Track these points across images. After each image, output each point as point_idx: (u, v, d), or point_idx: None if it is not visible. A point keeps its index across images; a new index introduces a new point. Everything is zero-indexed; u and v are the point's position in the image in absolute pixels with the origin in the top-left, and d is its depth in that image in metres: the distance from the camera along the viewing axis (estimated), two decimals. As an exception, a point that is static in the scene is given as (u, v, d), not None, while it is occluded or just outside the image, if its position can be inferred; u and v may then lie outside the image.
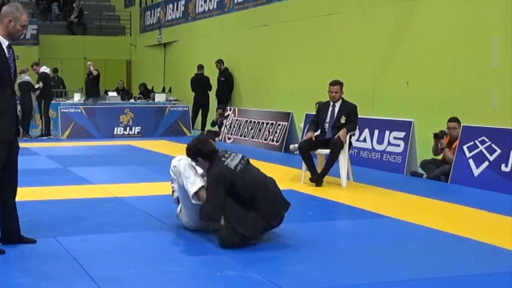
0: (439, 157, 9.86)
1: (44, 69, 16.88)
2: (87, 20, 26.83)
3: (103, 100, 19.02)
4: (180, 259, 5.42)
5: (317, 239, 6.07)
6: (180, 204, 6.25)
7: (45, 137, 16.40)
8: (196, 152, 5.89)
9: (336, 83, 9.29)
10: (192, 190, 5.89)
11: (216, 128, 16.86)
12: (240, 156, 5.92)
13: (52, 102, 17.20)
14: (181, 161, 6.11)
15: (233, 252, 5.48)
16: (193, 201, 5.91)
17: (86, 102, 18.37)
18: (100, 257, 5.36)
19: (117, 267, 5.08)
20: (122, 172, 10.41)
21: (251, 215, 5.70)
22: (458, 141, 9.43)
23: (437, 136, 9.66)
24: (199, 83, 18.59)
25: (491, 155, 8.95)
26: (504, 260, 5.32)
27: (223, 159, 5.82)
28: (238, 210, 5.70)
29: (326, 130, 9.21)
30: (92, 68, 18.38)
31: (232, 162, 5.80)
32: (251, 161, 6.08)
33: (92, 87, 18.49)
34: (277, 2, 16.20)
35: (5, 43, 5.31)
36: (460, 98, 10.58)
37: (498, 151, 8.86)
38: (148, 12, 25.52)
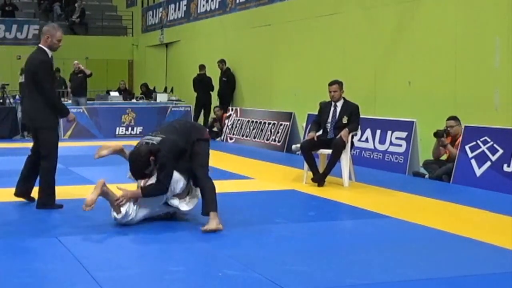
0: (442, 158, 9.83)
1: (48, 69, 16.79)
2: (89, 20, 26.84)
3: (104, 100, 18.90)
4: (182, 259, 5.41)
5: (319, 239, 6.08)
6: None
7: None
8: (146, 152, 6.21)
9: (334, 82, 9.30)
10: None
11: (216, 129, 16.84)
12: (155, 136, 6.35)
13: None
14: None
15: (234, 252, 5.48)
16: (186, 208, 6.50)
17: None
18: (101, 257, 5.37)
19: (119, 267, 5.08)
20: (124, 172, 10.38)
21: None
22: (460, 139, 9.41)
23: (438, 135, 9.63)
24: (201, 83, 18.56)
25: (493, 155, 8.93)
26: (505, 260, 5.31)
27: (152, 142, 6.25)
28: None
29: (328, 130, 9.21)
30: (82, 67, 17.78)
31: (157, 138, 6.28)
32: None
33: (83, 86, 17.75)
34: (279, 2, 16.19)
35: (49, 53, 7.50)
36: (462, 98, 10.57)
37: (500, 151, 8.85)
38: (150, 12, 25.53)
